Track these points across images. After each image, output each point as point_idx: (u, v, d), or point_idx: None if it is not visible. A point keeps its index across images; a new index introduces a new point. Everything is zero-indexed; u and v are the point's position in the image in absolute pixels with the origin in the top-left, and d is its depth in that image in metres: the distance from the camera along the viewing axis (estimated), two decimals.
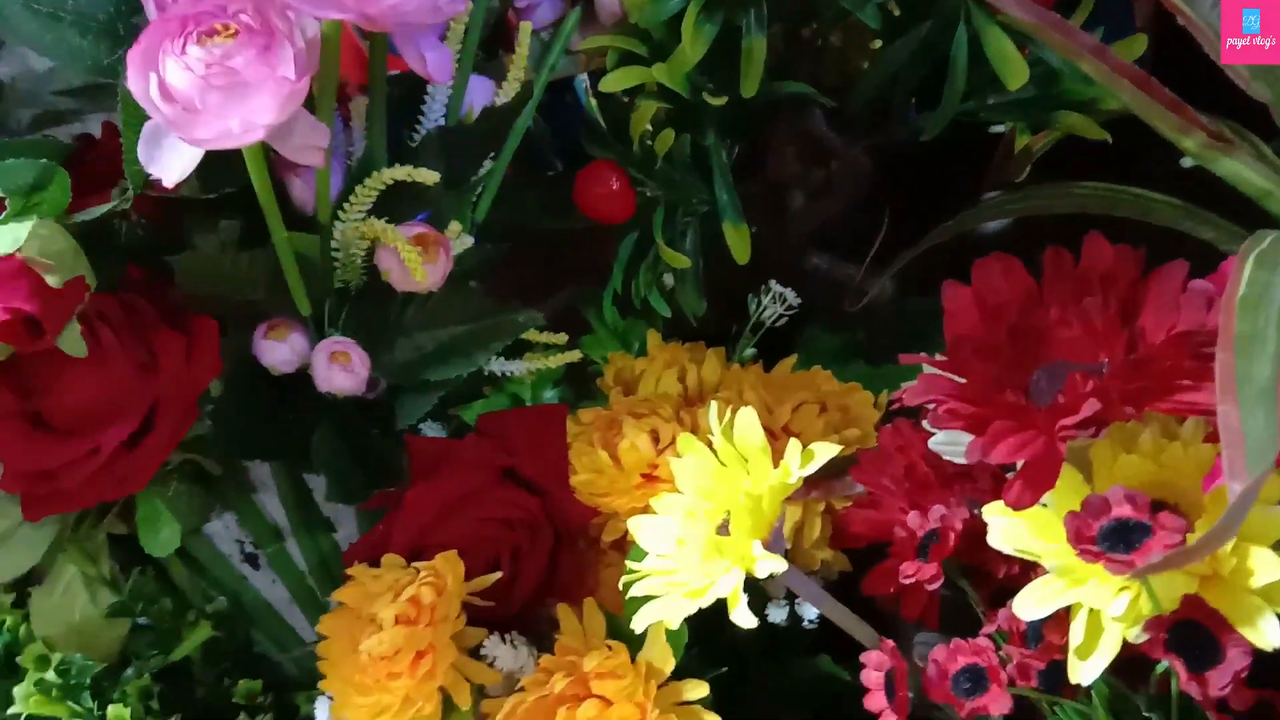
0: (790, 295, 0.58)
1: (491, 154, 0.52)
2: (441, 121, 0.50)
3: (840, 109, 0.53)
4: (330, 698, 0.49)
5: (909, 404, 0.34)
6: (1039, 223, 0.51)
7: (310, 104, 0.39)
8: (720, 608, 0.55)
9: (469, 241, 0.50)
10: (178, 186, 0.42)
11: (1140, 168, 0.46)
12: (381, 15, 0.34)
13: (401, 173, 0.45)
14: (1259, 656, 0.32)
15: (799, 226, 0.58)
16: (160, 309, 0.46)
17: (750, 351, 0.59)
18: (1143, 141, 0.44)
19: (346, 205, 0.45)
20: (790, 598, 0.53)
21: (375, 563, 0.50)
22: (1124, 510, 0.32)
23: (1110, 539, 0.31)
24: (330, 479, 0.47)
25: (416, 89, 0.50)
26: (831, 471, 0.48)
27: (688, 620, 0.47)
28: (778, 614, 0.53)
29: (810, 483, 0.48)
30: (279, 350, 0.48)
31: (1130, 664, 0.37)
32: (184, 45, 0.34)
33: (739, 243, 0.55)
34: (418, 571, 0.48)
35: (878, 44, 0.53)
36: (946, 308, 0.35)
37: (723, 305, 0.63)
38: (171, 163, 0.37)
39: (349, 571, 0.50)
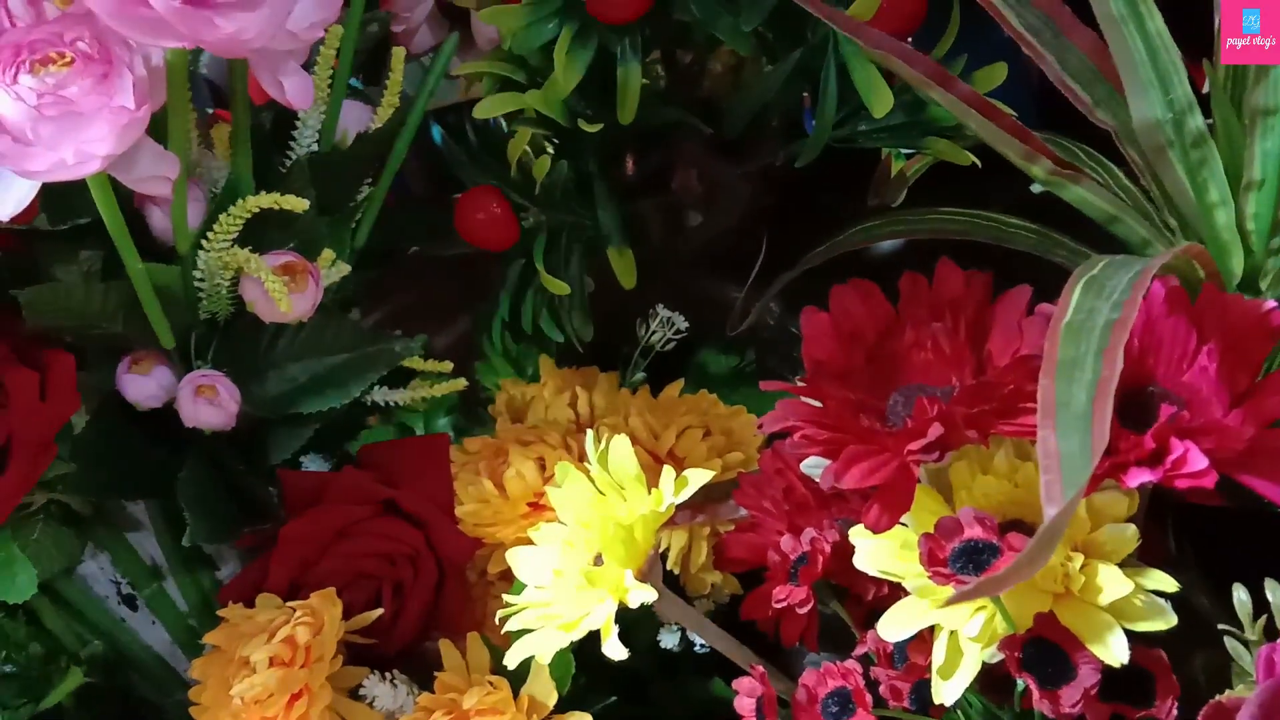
0: (679, 319, 0.58)
1: (369, 180, 0.51)
2: (314, 148, 0.49)
3: (718, 134, 0.53)
4: None
5: (767, 431, 0.34)
6: (932, 244, 0.52)
7: (159, 133, 0.38)
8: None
9: (345, 269, 0.49)
10: (30, 217, 0.40)
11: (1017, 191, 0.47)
12: (220, 43, 0.33)
13: (268, 200, 0.43)
14: (1119, 670, 0.33)
15: (686, 250, 0.58)
16: (13, 344, 0.44)
17: (640, 376, 0.59)
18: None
19: (210, 235, 0.44)
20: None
21: (251, 603, 0.48)
22: (975, 531, 0.32)
23: (960, 560, 0.32)
24: (195, 519, 0.45)
25: (288, 115, 0.49)
26: (716, 495, 0.48)
27: (580, 647, 0.46)
28: (670, 639, 0.52)
29: (694, 507, 0.48)
30: (143, 385, 0.47)
31: (998, 681, 0.37)
32: (15, 74, 0.33)
33: (624, 268, 0.55)
34: (293, 611, 0.46)
35: (770, 69, 0.54)
36: (805, 334, 0.35)
37: (616, 327, 0.63)
38: (5, 196, 0.35)
39: (221, 613, 0.48)
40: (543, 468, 0.52)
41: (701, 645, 0.53)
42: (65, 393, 0.44)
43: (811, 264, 0.47)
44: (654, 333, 0.58)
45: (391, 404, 0.54)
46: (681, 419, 0.53)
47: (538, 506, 0.52)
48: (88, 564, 0.57)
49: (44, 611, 0.56)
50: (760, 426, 0.35)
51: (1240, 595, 0.33)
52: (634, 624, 0.53)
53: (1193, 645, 0.36)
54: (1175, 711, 0.32)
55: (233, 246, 0.44)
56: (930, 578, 0.32)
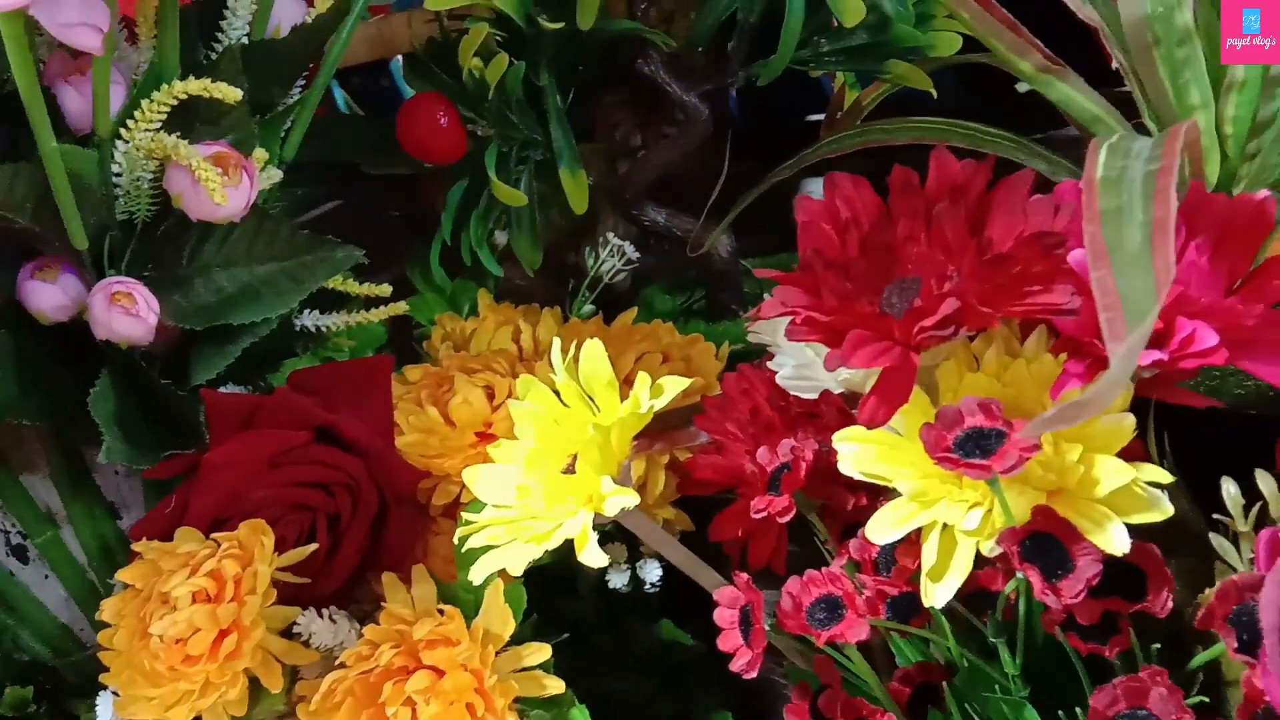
0: (629, 248, 0.56)
1: (303, 82, 0.47)
2: (245, 41, 0.45)
3: (678, 53, 0.51)
4: (115, 694, 0.43)
5: (765, 317, 0.33)
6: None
7: None
8: (559, 578, 0.52)
9: (277, 175, 0.45)
10: None
11: None
12: None
13: (197, 86, 0.39)
14: (1108, 567, 0.32)
15: (637, 179, 0.56)
16: None
17: (589, 308, 0.57)
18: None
19: (131, 121, 0.40)
20: (632, 561, 0.51)
21: (168, 539, 0.44)
22: (977, 419, 0.31)
23: (966, 446, 0.31)
24: (111, 437, 0.41)
25: (216, 3, 0.45)
26: (675, 422, 0.46)
27: (524, 587, 0.44)
28: (619, 579, 0.50)
29: (654, 435, 0.46)
30: (49, 293, 0.42)
31: (972, 598, 0.36)
32: None
33: (576, 190, 0.53)
34: (218, 544, 0.42)
35: None
36: (800, 220, 0.34)
37: (556, 272, 0.61)
38: None
39: (136, 548, 0.43)
40: (491, 397, 0.50)
41: (652, 584, 0.51)
42: None
43: (780, 176, 0.45)
44: (603, 262, 0.55)
45: (322, 329, 0.51)
46: (638, 346, 0.51)
47: (485, 436, 0.49)
48: None
49: None
50: (758, 313, 0.33)
51: (1230, 489, 0.33)
52: (581, 566, 0.50)
53: (1170, 549, 0.36)
54: (1170, 604, 0.32)
55: (159, 132, 0.39)
56: (937, 463, 0.31)
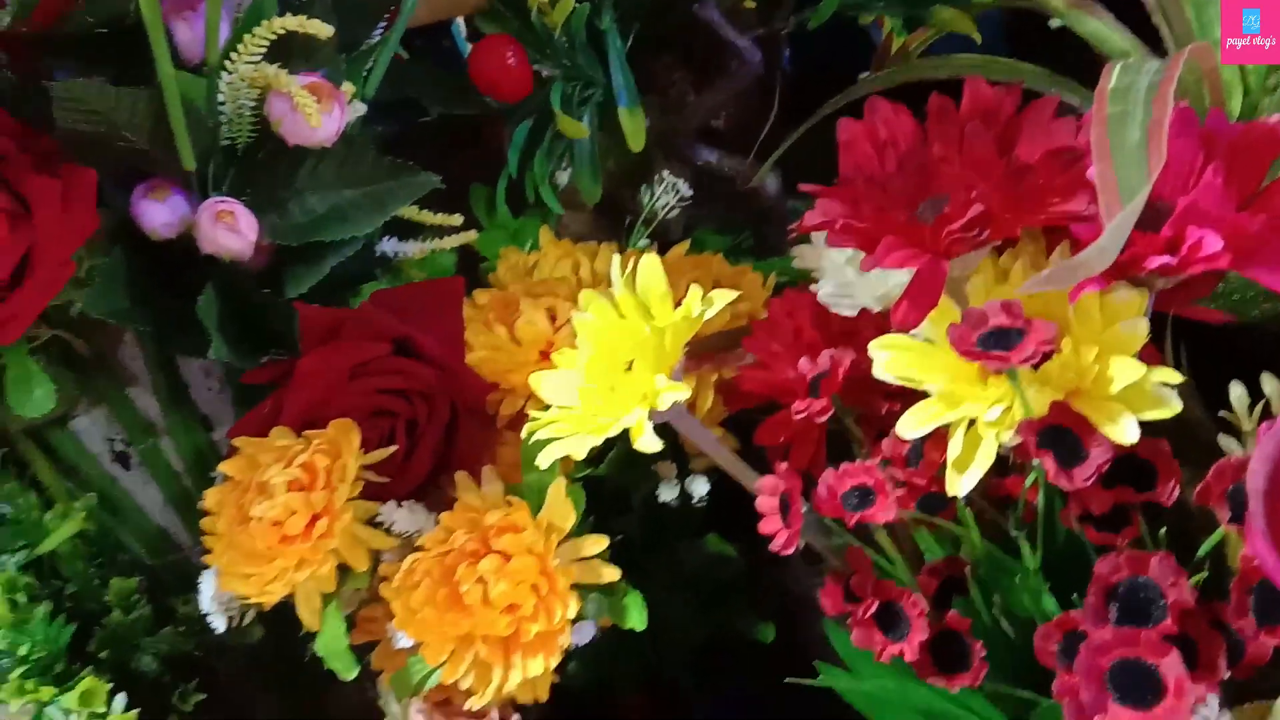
0: (683, 185, 0.59)
1: (384, 23, 0.51)
2: None
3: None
4: (217, 571, 0.48)
5: (807, 228, 0.36)
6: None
7: None
8: (613, 493, 0.56)
9: (361, 109, 0.50)
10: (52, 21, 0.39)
11: None
12: None
13: (293, 22, 0.44)
14: (1121, 463, 0.35)
15: (690, 120, 0.59)
16: (34, 158, 0.44)
17: (644, 242, 0.60)
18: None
19: (234, 54, 0.44)
20: (681, 477, 0.54)
21: (264, 438, 0.49)
22: (1000, 320, 0.34)
23: (988, 343, 0.34)
24: (218, 339, 0.45)
25: None
26: (724, 344, 0.50)
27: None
28: (669, 493, 0.53)
29: (703, 355, 0.50)
30: (160, 211, 0.46)
31: (998, 503, 0.40)
32: None
33: (634, 129, 0.56)
34: (309, 441, 0.47)
35: None
36: (841, 139, 0.37)
37: (613, 217, 0.64)
38: None
39: (235, 443, 0.48)
40: (553, 318, 0.53)
41: (700, 499, 0.54)
42: (86, 206, 0.43)
43: (828, 111, 0.48)
44: (658, 198, 0.59)
45: (399, 255, 0.55)
46: (690, 275, 0.54)
47: (548, 355, 0.53)
48: (80, 419, 0.57)
49: (36, 462, 0.55)
50: (798, 226, 0.36)
51: (1237, 390, 0.36)
52: (633, 481, 0.54)
53: (1183, 457, 0.39)
54: (1177, 492, 0.35)
55: (261, 63, 0.43)
56: (961, 355, 0.34)
